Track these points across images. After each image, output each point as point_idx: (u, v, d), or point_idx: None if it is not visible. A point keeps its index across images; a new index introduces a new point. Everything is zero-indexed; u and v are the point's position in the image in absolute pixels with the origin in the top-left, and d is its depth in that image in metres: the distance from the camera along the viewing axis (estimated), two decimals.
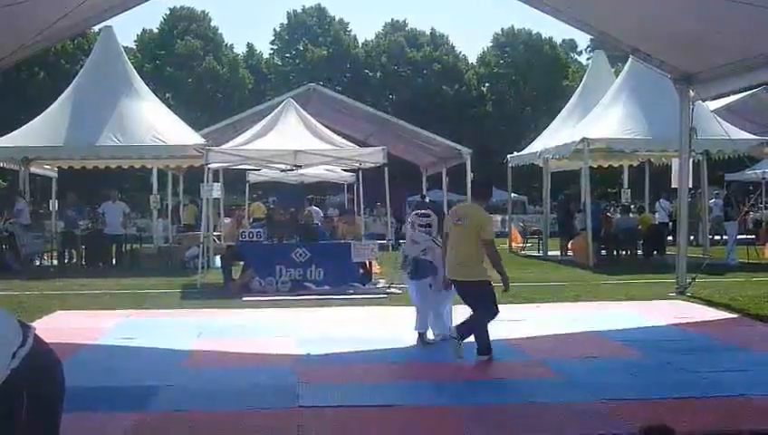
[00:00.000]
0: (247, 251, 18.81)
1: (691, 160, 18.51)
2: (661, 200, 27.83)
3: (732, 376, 9.23)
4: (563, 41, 78.39)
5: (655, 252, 25.45)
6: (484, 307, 10.05)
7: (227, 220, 26.48)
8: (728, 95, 20.66)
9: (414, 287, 11.40)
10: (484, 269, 10.17)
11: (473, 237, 9.97)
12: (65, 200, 27.93)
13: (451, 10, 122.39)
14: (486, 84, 75.02)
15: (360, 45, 76.21)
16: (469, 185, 20.57)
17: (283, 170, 23.52)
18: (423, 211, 11.87)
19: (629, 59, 24.47)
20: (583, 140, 23.74)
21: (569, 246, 26.76)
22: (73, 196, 27.23)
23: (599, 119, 25.44)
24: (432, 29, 77.05)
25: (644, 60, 17.37)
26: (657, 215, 28.27)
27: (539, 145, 29.15)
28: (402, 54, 72.98)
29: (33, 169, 27.02)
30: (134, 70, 27.69)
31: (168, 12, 71.81)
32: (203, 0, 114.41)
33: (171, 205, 32.31)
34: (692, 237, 23.63)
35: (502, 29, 76.79)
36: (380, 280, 18.90)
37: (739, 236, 24.51)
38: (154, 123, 24.32)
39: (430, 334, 11.30)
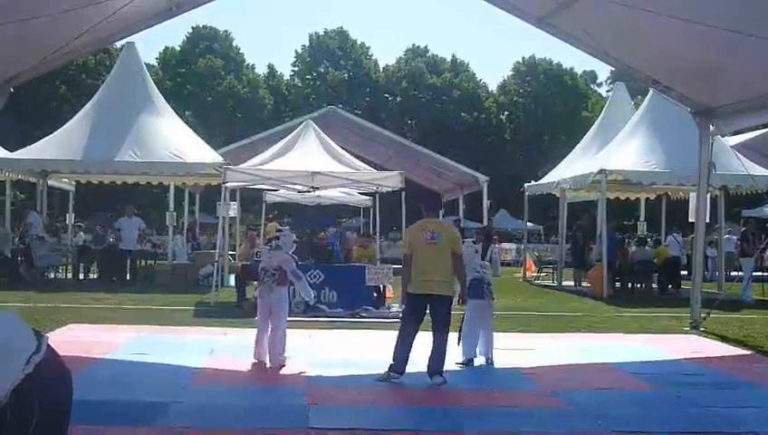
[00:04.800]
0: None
1: (708, 195, 18.44)
2: (673, 234, 27.66)
3: (743, 412, 9.17)
4: (584, 72, 78.70)
5: (669, 286, 25.36)
6: (448, 324, 10.46)
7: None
8: (748, 130, 20.54)
9: None
10: None
11: (448, 253, 10.27)
12: (94, 216, 28.04)
13: (472, 37, 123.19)
14: (506, 112, 75.21)
15: (381, 69, 76.56)
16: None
17: (300, 191, 23.54)
18: None
19: (650, 91, 24.48)
20: (601, 171, 23.72)
21: (584, 276, 26.65)
22: (103, 214, 27.43)
23: (617, 150, 25.40)
24: (453, 56, 77.60)
25: (664, 92, 17.34)
26: (669, 248, 28.12)
27: (556, 175, 29.11)
28: (422, 80, 73.24)
29: (51, 183, 27.19)
30: (155, 86, 27.82)
31: (190, 30, 72.43)
32: (225, 20, 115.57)
33: (187, 222, 32.38)
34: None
35: (523, 58, 77.19)
36: (394, 305, 18.78)
37: (754, 273, 24.36)
38: (173, 140, 24.42)
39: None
